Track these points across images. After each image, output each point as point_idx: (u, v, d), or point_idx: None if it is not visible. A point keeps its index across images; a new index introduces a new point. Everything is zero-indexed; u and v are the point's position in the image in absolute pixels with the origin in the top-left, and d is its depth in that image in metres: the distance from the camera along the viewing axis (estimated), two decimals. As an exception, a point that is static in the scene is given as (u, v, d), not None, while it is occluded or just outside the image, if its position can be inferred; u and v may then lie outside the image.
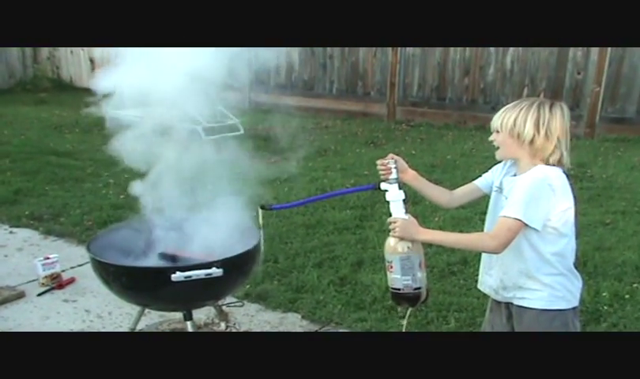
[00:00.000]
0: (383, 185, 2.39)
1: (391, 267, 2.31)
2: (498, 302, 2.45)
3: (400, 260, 2.27)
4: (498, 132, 2.33)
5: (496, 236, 2.20)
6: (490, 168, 2.57)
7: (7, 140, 8.93)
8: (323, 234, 5.03)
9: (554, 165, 2.22)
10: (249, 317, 3.69)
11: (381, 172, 2.43)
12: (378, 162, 2.43)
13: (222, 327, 3.09)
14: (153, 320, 3.26)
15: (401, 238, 2.27)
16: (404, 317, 2.57)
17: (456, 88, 10.06)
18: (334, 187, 6.50)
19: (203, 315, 3.21)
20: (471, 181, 2.62)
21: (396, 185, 2.36)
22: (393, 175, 2.38)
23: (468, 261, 4.37)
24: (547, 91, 9.17)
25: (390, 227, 2.32)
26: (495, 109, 2.46)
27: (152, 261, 2.89)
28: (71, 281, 4.20)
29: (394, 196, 2.33)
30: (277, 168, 7.26)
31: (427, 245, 4.63)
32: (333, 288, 4.02)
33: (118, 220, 4.92)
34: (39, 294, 4.03)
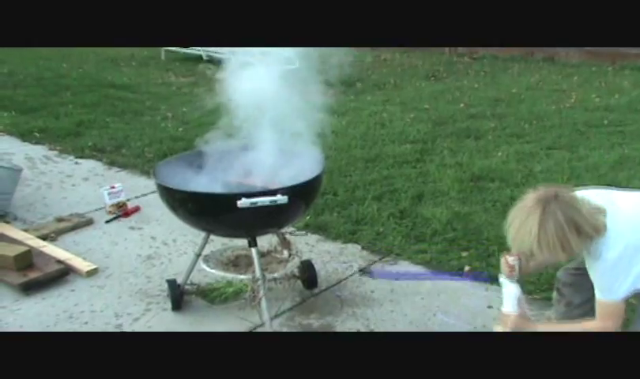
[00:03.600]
0: (502, 279, 2.48)
1: None
2: None
3: None
4: (533, 254, 2.16)
5: (606, 320, 2.17)
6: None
7: (66, 73, 9.25)
8: (383, 167, 5.10)
9: (600, 232, 2.11)
10: (309, 246, 3.83)
11: (504, 269, 2.46)
12: (503, 261, 2.47)
13: (285, 255, 3.22)
14: (217, 247, 3.43)
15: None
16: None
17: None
18: (393, 122, 6.52)
19: (266, 243, 3.35)
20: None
21: (516, 283, 2.43)
22: (516, 275, 2.45)
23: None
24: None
25: (502, 320, 2.40)
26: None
27: (218, 188, 3.03)
28: (136, 210, 4.42)
29: (511, 292, 2.43)
30: (335, 101, 7.32)
31: (489, 180, 4.64)
32: (393, 221, 4.11)
33: (177, 152, 5.10)
34: (107, 222, 4.27)
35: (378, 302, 3.23)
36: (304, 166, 3.02)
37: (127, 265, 3.68)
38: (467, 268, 3.51)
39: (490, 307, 3.14)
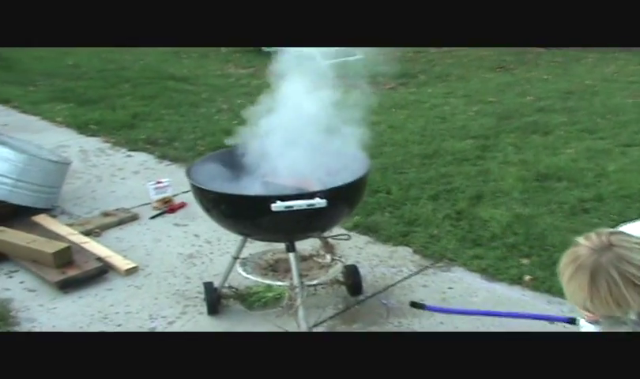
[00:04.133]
0: (583, 323, 2.23)
1: None
2: None
3: None
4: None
5: None
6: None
7: (128, 66, 9.32)
8: (440, 164, 4.83)
9: None
10: (357, 249, 3.63)
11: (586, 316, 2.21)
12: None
13: (327, 259, 3.04)
14: (257, 249, 3.27)
15: None
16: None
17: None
18: (455, 115, 6.22)
19: (308, 246, 3.17)
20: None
21: (597, 325, 2.19)
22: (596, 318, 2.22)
23: (604, 198, 4.02)
24: None
25: None
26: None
27: (255, 189, 2.86)
28: (182, 205, 4.32)
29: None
30: (395, 94, 7.07)
31: (556, 180, 4.32)
32: (448, 222, 3.86)
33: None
34: (152, 217, 4.19)
35: (427, 312, 3.00)
36: (350, 165, 2.82)
37: (167, 264, 3.58)
38: (527, 278, 3.22)
39: (552, 323, 2.85)
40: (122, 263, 3.55)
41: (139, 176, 4.99)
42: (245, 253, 3.04)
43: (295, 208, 2.42)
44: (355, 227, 3.84)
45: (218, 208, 2.66)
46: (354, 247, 3.62)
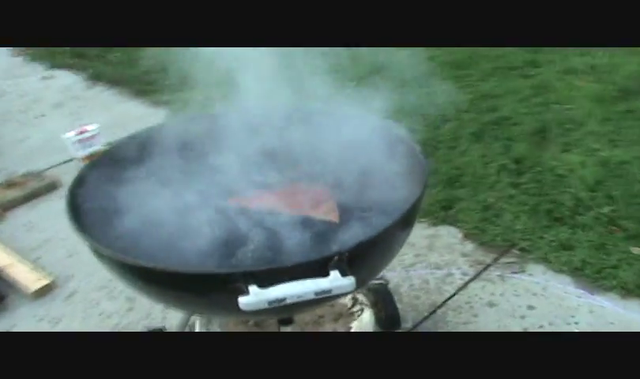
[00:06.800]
0: None
1: None
2: None
3: None
4: None
5: None
6: None
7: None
8: (476, 77, 3.61)
9: None
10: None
11: None
12: None
13: (346, 301, 1.93)
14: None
15: None
16: None
17: None
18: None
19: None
20: None
21: None
22: None
23: None
24: None
25: None
26: None
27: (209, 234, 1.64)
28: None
29: None
30: None
31: None
32: (507, 179, 2.74)
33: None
34: (77, 186, 3.00)
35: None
36: (391, 151, 1.63)
37: (101, 271, 2.44)
38: (651, 286, 2.15)
39: None
40: (30, 278, 2.42)
41: (61, 112, 3.73)
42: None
43: (288, 302, 1.25)
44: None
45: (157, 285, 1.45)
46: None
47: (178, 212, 1.66)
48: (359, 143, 1.65)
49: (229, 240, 1.61)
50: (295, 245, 1.58)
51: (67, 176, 3.01)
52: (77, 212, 1.51)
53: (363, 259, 1.39)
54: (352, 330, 1.82)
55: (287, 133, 1.73)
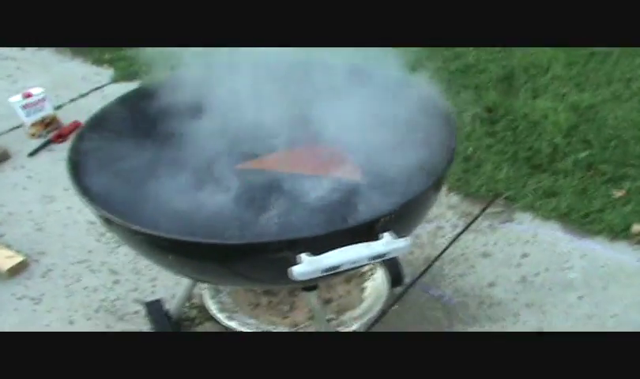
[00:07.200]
0: None
1: None
2: None
3: None
4: None
5: None
6: None
7: None
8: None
9: None
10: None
11: None
12: None
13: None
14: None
15: None
16: None
17: None
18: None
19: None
20: None
21: None
22: None
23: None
24: None
25: None
26: None
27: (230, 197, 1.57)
28: (76, 126, 2.94)
29: None
30: None
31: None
32: (482, 128, 2.76)
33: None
34: (31, 154, 2.81)
35: (504, 307, 1.98)
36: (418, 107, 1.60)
37: (76, 246, 2.32)
38: (637, 228, 2.23)
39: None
40: (2, 256, 2.26)
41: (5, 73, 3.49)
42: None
43: (342, 269, 1.20)
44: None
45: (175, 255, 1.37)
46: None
47: (192, 180, 1.58)
48: (378, 100, 1.61)
49: (248, 206, 1.55)
50: (320, 208, 1.53)
51: (20, 143, 2.85)
52: (89, 193, 1.40)
53: (407, 219, 1.36)
54: (367, 290, 1.81)
55: (300, 90, 1.65)
